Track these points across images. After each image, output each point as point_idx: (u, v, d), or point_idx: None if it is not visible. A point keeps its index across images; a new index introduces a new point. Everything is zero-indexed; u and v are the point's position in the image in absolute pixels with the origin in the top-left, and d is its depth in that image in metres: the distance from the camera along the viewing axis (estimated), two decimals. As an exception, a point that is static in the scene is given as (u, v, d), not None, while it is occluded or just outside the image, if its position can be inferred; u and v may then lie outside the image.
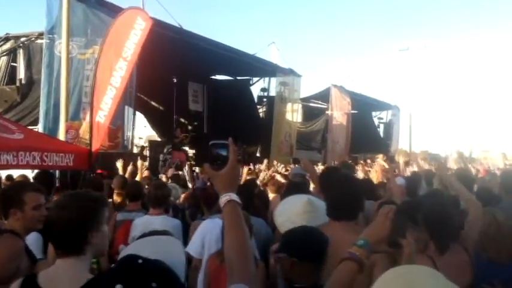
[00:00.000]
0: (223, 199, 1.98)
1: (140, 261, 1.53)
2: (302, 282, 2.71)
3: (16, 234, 3.15)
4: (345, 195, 3.27)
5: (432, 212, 3.60)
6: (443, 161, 13.33)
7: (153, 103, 21.34)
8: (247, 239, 1.93)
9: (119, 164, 7.52)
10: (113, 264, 1.51)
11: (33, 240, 3.82)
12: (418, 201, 4.57)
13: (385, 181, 7.80)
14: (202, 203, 5.65)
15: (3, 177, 9.87)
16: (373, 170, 9.71)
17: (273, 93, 22.50)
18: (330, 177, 4.18)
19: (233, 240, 1.90)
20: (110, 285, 1.41)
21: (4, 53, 15.62)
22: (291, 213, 3.87)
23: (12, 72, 15.54)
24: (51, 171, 9.34)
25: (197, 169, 12.97)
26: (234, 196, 1.98)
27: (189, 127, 22.80)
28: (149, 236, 2.32)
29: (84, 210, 2.33)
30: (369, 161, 16.56)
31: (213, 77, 23.43)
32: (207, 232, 4.45)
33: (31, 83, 15.07)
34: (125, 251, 2.17)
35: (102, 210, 2.41)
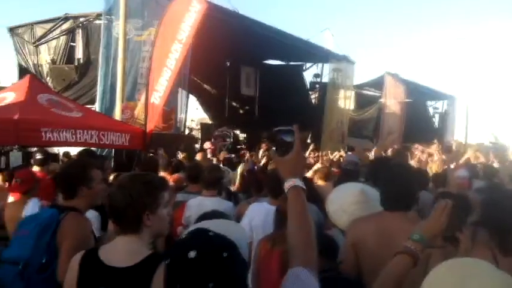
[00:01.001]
0: (288, 184, 1.98)
1: (211, 233, 1.57)
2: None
3: (80, 213, 3.22)
4: (399, 186, 3.18)
5: (495, 210, 3.43)
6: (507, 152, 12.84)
7: (205, 86, 21.50)
8: (311, 224, 1.93)
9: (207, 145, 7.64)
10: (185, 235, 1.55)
11: (93, 217, 3.93)
12: (466, 196, 4.42)
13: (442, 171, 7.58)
14: (251, 186, 5.67)
15: (61, 153, 10.19)
16: (431, 160, 9.48)
17: (325, 79, 22.24)
18: (383, 167, 4.09)
19: (297, 226, 1.91)
20: (183, 252, 1.45)
21: (63, 33, 16.05)
22: (343, 202, 3.81)
23: (70, 51, 15.96)
24: (96, 149, 9.59)
25: (247, 153, 13.04)
26: (298, 182, 1.98)
27: (241, 111, 22.89)
28: (210, 216, 2.34)
29: (141, 192, 2.37)
30: (418, 152, 16.16)
31: (265, 61, 23.36)
32: (254, 216, 4.46)
33: (89, 62, 15.45)
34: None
35: (160, 194, 2.45)
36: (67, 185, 3.28)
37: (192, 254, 1.43)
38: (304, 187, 1.99)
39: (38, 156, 6.58)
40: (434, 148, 13.90)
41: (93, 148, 9.46)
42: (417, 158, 10.24)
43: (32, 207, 4.39)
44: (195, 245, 1.46)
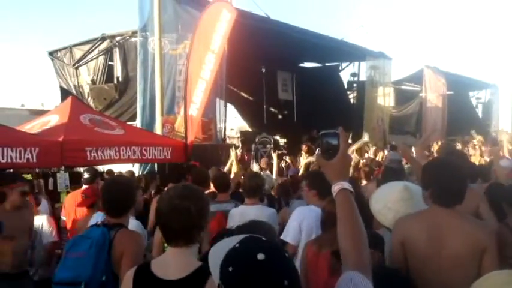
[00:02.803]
0: (336, 188, 1.98)
1: (263, 238, 1.60)
2: None
3: (127, 228, 3.29)
4: (453, 181, 3.12)
5: None
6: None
7: (243, 94, 21.61)
8: (361, 227, 1.92)
9: (233, 153, 7.67)
10: (237, 244, 1.54)
11: (138, 227, 4.00)
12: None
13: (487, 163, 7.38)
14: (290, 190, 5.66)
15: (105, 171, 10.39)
16: (474, 152, 9.26)
17: (363, 77, 22.03)
18: (435, 163, 4.00)
19: (347, 229, 1.91)
20: (250, 256, 1.47)
21: (101, 53, 16.37)
22: (388, 200, 3.77)
23: (109, 70, 16.27)
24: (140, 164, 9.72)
25: (287, 158, 13.01)
26: (346, 185, 1.98)
27: (279, 116, 22.88)
28: (249, 225, 2.35)
29: (199, 213, 2.42)
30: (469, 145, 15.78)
31: (301, 64, 23.33)
32: (304, 218, 4.44)
33: (127, 80, 15.71)
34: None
35: (208, 210, 2.54)
36: (121, 205, 3.37)
37: (260, 256, 1.44)
38: (352, 190, 1.98)
39: (86, 175, 6.82)
40: (477, 140, 13.56)
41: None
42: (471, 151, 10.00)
43: (95, 218, 4.53)
44: (260, 248, 1.48)
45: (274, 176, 8.17)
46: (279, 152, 16.20)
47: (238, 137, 19.96)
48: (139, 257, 3.03)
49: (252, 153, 16.46)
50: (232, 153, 8.32)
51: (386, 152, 12.63)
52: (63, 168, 7.63)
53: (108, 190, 3.53)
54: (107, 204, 3.45)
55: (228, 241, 1.61)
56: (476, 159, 8.90)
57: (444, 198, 3.07)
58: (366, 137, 12.83)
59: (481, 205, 4.27)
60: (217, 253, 1.57)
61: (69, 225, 6.43)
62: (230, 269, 1.46)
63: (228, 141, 16.78)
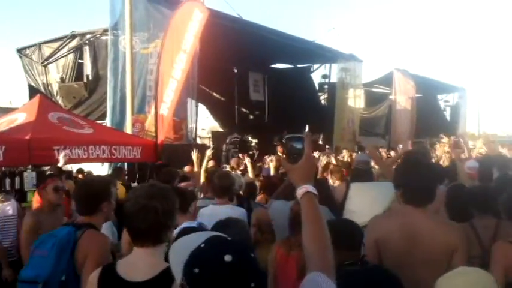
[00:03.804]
0: (300, 191, 1.99)
1: (229, 238, 1.60)
2: None
3: (96, 229, 3.25)
4: (423, 181, 3.18)
5: None
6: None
7: (214, 94, 21.58)
8: (325, 229, 1.94)
9: (194, 156, 7.68)
10: (202, 244, 1.52)
11: (109, 227, 3.96)
12: (488, 187, 4.40)
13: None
14: (265, 191, 5.69)
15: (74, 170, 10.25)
16: (442, 151, 9.45)
17: (334, 79, 22.21)
18: (407, 163, 4.08)
19: (311, 231, 1.92)
20: (217, 257, 1.45)
21: (71, 51, 16.17)
22: (362, 200, 3.84)
23: (79, 68, 16.07)
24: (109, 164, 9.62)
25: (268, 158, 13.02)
26: (310, 188, 1.99)
27: (251, 117, 22.92)
28: (225, 222, 2.35)
29: (167, 212, 2.39)
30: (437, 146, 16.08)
31: (273, 65, 23.41)
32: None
33: (98, 78, 15.54)
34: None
35: (177, 210, 2.51)
36: (90, 202, 3.30)
37: (227, 258, 1.43)
38: (316, 193, 2.00)
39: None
40: (446, 142, 13.84)
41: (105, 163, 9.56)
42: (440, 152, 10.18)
43: None
44: (227, 250, 1.47)
45: (251, 176, 8.18)
46: (250, 152, 16.26)
47: (209, 137, 19.94)
48: (103, 259, 2.96)
49: (224, 153, 16.46)
50: (208, 152, 8.33)
51: (347, 154, 12.84)
52: (30, 167, 7.51)
53: (79, 188, 3.49)
54: (76, 202, 3.41)
55: (192, 239, 1.60)
56: (445, 161, 9.07)
57: (415, 198, 3.13)
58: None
59: (442, 206, 4.37)
60: (180, 251, 1.56)
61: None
62: (196, 270, 1.44)
63: (199, 141, 16.74)
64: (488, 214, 3.95)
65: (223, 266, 1.43)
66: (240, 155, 10.37)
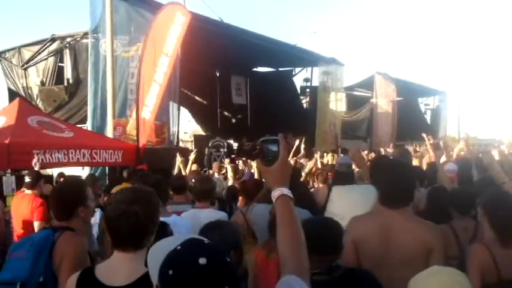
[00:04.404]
0: (275, 194, 1.99)
1: (206, 241, 1.59)
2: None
3: (74, 232, 3.22)
4: (400, 184, 3.21)
5: (498, 203, 3.47)
6: (496, 145, 12.92)
7: (196, 98, 21.55)
8: (300, 232, 1.94)
9: (179, 160, 7.66)
10: (178, 247, 1.52)
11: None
12: (468, 190, 4.46)
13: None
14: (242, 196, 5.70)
15: (55, 174, 10.16)
16: (425, 153, 9.53)
17: (316, 83, 22.34)
18: (384, 165, 4.11)
19: (286, 234, 1.92)
20: (192, 260, 1.45)
21: (51, 54, 15.99)
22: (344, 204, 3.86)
23: (59, 72, 15.89)
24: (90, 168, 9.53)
25: (240, 162, 13.03)
26: (285, 190, 1.99)
27: (233, 120, 22.91)
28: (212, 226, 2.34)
29: (148, 215, 2.38)
30: (417, 148, 16.24)
31: (255, 69, 23.46)
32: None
33: (78, 82, 15.39)
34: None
35: (159, 213, 2.50)
36: (64, 207, 3.26)
37: (201, 260, 1.43)
38: (291, 195, 1.99)
39: (27, 179, 6.46)
40: (427, 140, 13.98)
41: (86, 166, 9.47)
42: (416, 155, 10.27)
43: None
44: (202, 253, 1.47)
45: (230, 181, 8.18)
46: (232, 155, 16.24)
47: (191, 141, 19.87)
48: (80, 261, 2.95)
49: (205, 157, 16.41)
50: (191, 156, 8.32)
51: (331, 156, 12.91)
52: (9, 171, 7.41)
53: (53, 193, 3.45)
54: (52, 208, 3.37)
55: (169, 241, 1.60)
56: (424, 163, 9.14)
57: (390, 200, 3.16)
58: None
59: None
60: (157, 253, 1.55)
61: (16, 229, 6.24)
62: (170, 272, 1.45)
63: (181, 144, 16.67)
64: (467, 216, 4.00)
65: (197, 269, 1.43)
66: (225, 160, 10.36)
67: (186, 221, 4.45)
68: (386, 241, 3.08)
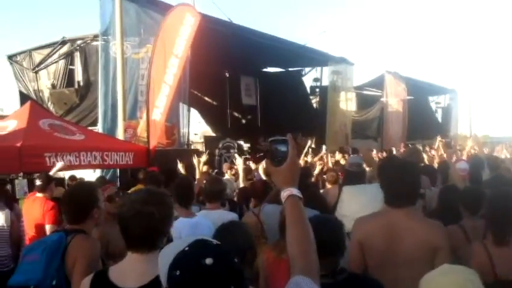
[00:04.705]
0: (285, 194, 1.99)
1: (213, 242, 1.60)
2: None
3: (86, 234, 3.24)
4: (404, 183, 3.20)
5: (495, 202, 3.48)
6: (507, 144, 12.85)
7: (206, 99, 21.55)
8: (309, 232, 1.94)
9: (195, 160, 7.67)
10: (186, 248, 1.54)
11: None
12: (478, 189, 4.44)
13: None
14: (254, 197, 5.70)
15: (67, 177, 10.20)
16: (436, 153, 9.51)
17: (325, 82, 22.30)
18: (388, 164, 4.11)
19: (295, 234, 1.92)
20: (197, 260, 1.47)
21: (62, 57, 16.10)
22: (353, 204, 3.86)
23: (70, 75, 16.00)
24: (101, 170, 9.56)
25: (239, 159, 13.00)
26: (295, 191, 1.99)
27: (243, 121, 22.91)
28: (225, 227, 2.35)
29: (164, 218, 2.39)
30: (427, 148, 16.14)
31: (264, 69, 23.43)
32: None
33: (89, 84, 15.49)
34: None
35: (173, 215, 2.52)
36: (79, 210, 3.28)
37: (208, 261, 1.45)
38: (301, 195, 2.00)
39: (38, 182, 6.48)
40: (438, 143, 13.92)
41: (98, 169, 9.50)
42: (427, 156, 10.23)
43: None
44: (208, 253, 1.48)
45: (241, 182, 8.18)
46: (244, 156, 16.23)
47: (201, 142, 19.90)
48: (93, 263, 2.97)
49: (216, 158, 16.42)
50: (203, 157, 8.34)
51: (347, 156, 12.85)
52: (21, 174, 7.45)
53: (66, 196, 3.47)
54: (66, 211, 3.39)
55: (179, 244, 1.61)
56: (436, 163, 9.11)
57: (394, 200, 3.17)
58: (323, 149, 13.06)
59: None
60: (167, 255, 1.56)
61: (28, 232, 6.27)
62: (177, 272, 1.47)
63: (191, 146, 16.70)
64: (477, 216, 3.98)
65: (203, 269, 1.44)
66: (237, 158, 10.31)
67: (208, 221, 4.46)
68: (391, 241, 3.08)
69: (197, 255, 1.49)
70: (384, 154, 12.75)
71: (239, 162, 8.48)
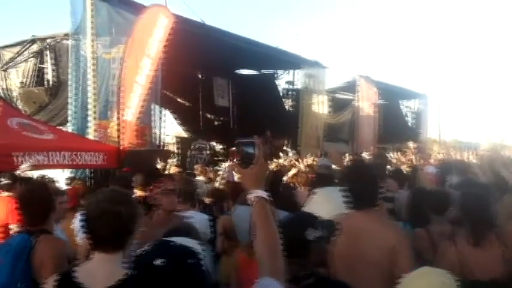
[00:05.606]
0: (252, 196, 2.01)
1: (173, 243, 1.62)
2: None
3: (50, 233, 3.19)
4: (362, 185, 3.26)
5: (469, 204, 3.54)
6: (473, 148, 13.11)
7: (179, 100, 21.43)
8: (276, 234, 1.96)
9: (159, 165, 7.60)
10: (146, 249, 1.57)
11: (61, 235, 3.89)
12: (443, 191, 4.52)
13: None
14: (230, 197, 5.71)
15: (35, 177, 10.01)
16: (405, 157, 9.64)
17: (298, 85, 22.40)
18: (347, 168, 4.18)
19: (263, 236, 1.95)
20: (149, 261, 1.49)
21: (32, 55, 15.84)
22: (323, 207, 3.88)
23: (40, 73, 15.76)
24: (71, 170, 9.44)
25: (224, 164, 13.00)
26: (261, 193, 2.01)
27: (216, 123, 22.87)
28: (174, 233, 2.34)
29: (132, 216, 2.36)
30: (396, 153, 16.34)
31: (238, 71, 23.42)
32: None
33: (59, 83, 15.26)
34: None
35: (139, 209, 2.48)
36: (37, 211, 3.23)
37: (158, 261, 1.46)
38: (267, 198, 2.01)
39: (4, 181, 6.36)
40: (411, 146, 14.12)
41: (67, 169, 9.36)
42: (398, 159, 10.36)
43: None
44: (161, 254, 1.50)
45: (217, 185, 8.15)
46: (215, 158, 16.19)
47: (174, 143, 19.80)
48: (60, 264, 2.92)
49: (188, 159, 16.36)
50: (170, 161, 8.30)
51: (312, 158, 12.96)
52: (-11, 173, 7.29)
53: (24, 198, 3.39)
54: (26, 213, 3.31)
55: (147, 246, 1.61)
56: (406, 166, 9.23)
57: (353, 202, 3.22)
58: (290, 154, 13.14)
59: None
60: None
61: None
62: (134, 273, 1.51)
63: (164, 147, 16.59)
64: (445, 219, 4.05)
65: (153, 269, 1.47)
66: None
67: (202, 216, 4.46)
68: (354, 242, 3.14)
69: (151, 256, 1.51)
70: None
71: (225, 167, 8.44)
